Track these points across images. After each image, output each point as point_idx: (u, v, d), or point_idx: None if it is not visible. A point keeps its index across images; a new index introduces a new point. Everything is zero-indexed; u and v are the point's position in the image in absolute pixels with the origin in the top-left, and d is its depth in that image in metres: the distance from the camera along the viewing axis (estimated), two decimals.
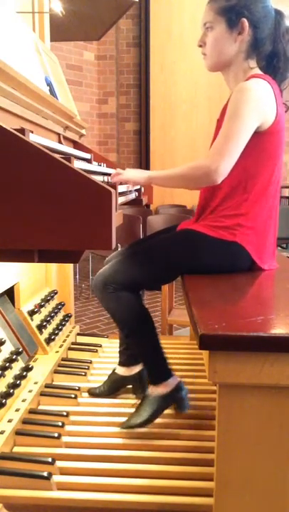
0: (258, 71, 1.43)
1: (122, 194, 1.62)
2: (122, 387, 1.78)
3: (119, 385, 1.78)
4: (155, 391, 1.55)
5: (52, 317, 2.14)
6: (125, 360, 1.77)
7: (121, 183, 1.56)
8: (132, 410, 1.63)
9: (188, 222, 1.58)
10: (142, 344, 1.57)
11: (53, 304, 2.26)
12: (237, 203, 1.42)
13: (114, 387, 1.78)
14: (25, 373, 1.66)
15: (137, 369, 1.75)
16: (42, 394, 1.73)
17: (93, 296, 4.24)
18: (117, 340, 1.88)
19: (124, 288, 1.47)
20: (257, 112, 1.33)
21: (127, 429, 1.55)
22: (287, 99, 1.50)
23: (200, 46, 1.48)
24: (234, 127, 1.32)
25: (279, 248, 5.08)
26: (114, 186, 1.25)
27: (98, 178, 1.26)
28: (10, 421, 1.48)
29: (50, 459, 1.35)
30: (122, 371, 1.77)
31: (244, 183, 1.41)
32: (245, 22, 1.38)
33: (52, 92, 1.78)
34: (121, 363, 1.78)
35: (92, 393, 1.80)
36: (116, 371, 1.79)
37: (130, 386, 1.78)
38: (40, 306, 2.09)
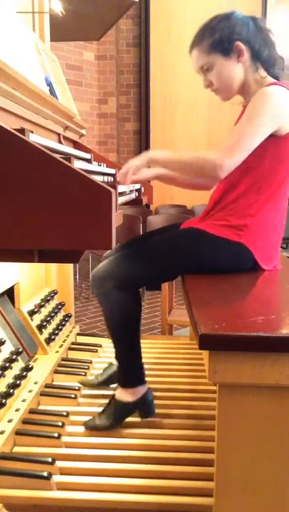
0: (271, 79, 1.45)
1: (122, 194, 1.62)
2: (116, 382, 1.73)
3: (115, 380, 1.75)
4: (122, 396, 1.56)
5: (52, 317, 2.14)
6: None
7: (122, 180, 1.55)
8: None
9: (193, 221, 1.57)
10: (122, 347, 1.55)
11: (53, 303, 2.26)
12: (248, 203, 1.42)
13: (109, 380, 1.78)
14: (25, 373, 1.66)
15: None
16: (42, 394, 1.73)
17: (93, 296, 4.24)
18: None
19: (124, 285, 1.46)
20: (275, 116, 1.33)
21: (89, 429, 1.56)
22: None
23: (207, 87, 1.51)
24: (249, 128, 1.33)
25: (279, 248, 5.07)
26: (114, 186, 1.25)
27: (98, 178, 1.26)
28: (10, 421, 1.48)
29: (50, 459, 1.35)
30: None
31: (259, 185, 1.41)
32: (240, 44, 1.41)
33: (52, 92, 1.78)
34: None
35: (86, 383, 1.80)
36: (114, 363, 1.74)
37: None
38: (40, 306, 2.09)
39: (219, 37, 1.41)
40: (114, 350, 1.59)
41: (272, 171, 1.40)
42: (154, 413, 1.62)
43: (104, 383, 1.81)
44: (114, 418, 1.57)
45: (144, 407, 1.59)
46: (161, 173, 1.60)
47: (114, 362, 1.74)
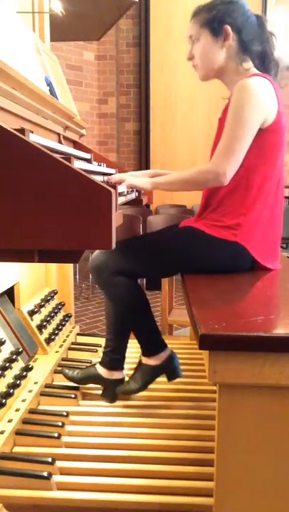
0: (255, 70, 1.46)
1: (122, 194, 1.62)
2: (95, 383, 1.76)
3: (93, 381, 1.75)
4: (147, 362, 1.66)
5: (52, 317, 2.14)
6: (108, 362, 1.73)
7: (116, 182, 1.56)
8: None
9: (190, 221, 1.58)
10: (138, 323, 1.64)
11: (53, 303, 2.26)
12: (238, 201, 1.43)
13: (87, 380, 1.76)
14: (25, 373, 1.65)
15: (116, 376, 1.72)
16: (42, 394, 1.73)
17: (93, 296, 4.24)
18: None
19: (118, 274, 1.52)
20: (260, 110, 1.35)
21: (122, 393, 1.69)
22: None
23: (189, 59, 1.53)
24: (238, 129, 1.34)
25: (279, 248, 5.07)
26: (114, 186, 1.25)
27: (98, 178, 1.26)
28: (10, 421, 1.48)
29: (50, 459, 1.35)
30: (101, 371, 1.74)
31: (245, 180, 1.42)
32: (228, 28, 1.44)
33: (52, 92, 1.78)
34: (103, 364, 1.73)
35: (65, 374, 1.79)
36: (96, 367, 1.75)
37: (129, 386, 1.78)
38: (40, 306, 2.09)
39: (214, 15, 1.44)
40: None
41: (258, 164, 1.41)
42: (181, 375, 1.71)
43: (80, 382, 1.78)
44: (143, 382, 1.66)
45: (170, 370, 1.68)
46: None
47: (98, 367, 1.76)
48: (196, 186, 1.46)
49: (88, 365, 1.82)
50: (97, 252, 1.56)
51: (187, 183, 1.44)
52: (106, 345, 1.74)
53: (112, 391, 1.72)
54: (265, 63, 1.48)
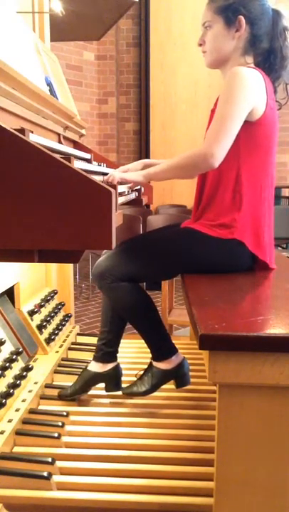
0: (253, 66, 1.46)
1: (122, 194, 1.62)
2: (94, 385, 1.74)
3: (92, 383, 1.73)
4: (158, 365, 1.62)
5: (52, 317, 2.14)
6: (101, 356, 1.72)
7: (121, 183, 1.56)
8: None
9: (189, 222, 1.59)
10: (146, 327, 1.61)
11: (53, 303, 2.26)
12: (230, 196, 1.43)
13: (86, 385, 1.73)
14: (25, 373, 1.65)
15: (111, 365, 1.71)
16: (42, 394, 1.73)
17: (93, 296, 4.24)
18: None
19: (122, 280, 1.51)
20: (249, 95, 1.35)
21: (128, 395, 1.66)
22: (282, 97, 1.52)
23: (200, 45, 1.52)
24: (228, 111, 1.34)
25: (279, 248, 5.07)
26: (114, 186, 1.25)
27: (98, 178, 1.26)
28: (10, 421, 1.48)
29: (50, 459, 1.35)
30: (95, 367, 1.72)
31: (235, 175, 1.42)
32: (242, 19, 1.43)
33: (52, 92, 1.78)
34: (96, 358, 1.73)
35: (64, 395, 1.72)
36: (89, 368, 1.73)
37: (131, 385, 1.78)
38: (40, 306, 2.09)
39: (230, 4, 1.43)
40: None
41: (248, 158, 1.41)
42: (189, 383, 1.67)
43: (81, 391, 1.74)
44: (152, 385, 1.63)
45: (179, 377, 1.64)
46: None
47: (91, 364, 1.74)
48: (187, 171, 1.44)
49: (80, 373, 1.76)
50: (99, 259, 1.56)
51: (178, 168, 1.43)
52: (100, 337, 1.73)
53: (114, 381, 1.71)
54: (270, 58, 1.47)
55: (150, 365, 1.65)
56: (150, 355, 1.65)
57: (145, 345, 1.64)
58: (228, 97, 1.35)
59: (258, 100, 1.37)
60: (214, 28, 1.46)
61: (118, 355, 1.76)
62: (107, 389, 1.73)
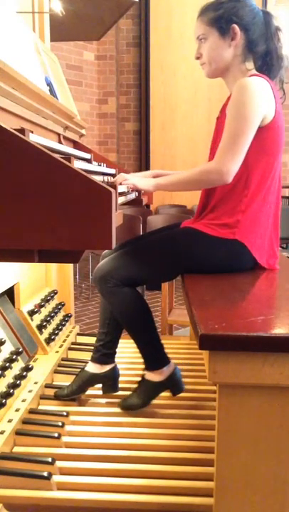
0: (255, 72, 1.47)
1: (122, 194, 1.62)
2: (91, 386, 1.73)
3: (90, 384, 1.73)
4: (150, 377, 1.63)
5: (52, 317, 2.14)
6: (99, 357, 1.71)
7: (121, 184, 1.56)
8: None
9: (190, 221, 1.58)
10: (141, 336, 1.61)
11: (53, 303, 2.26)
12: (237, 199, 1.44)
13: (84, 385, 1.72)
14: (25, 373, 1.65)
15: (108, 367, 1.71)
16: (42, 394, 1.73)
17: (93, 296, 4.24)
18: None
19: (124, 283, 1.50)
20: (260, 107, 1.35)
21: (125, 409, 1.65)
22: (280, 96, 1.52)
23: (197, 58, 1.54)
24: (239, 127, 1.34)
25: (279, 248, 5.07)
26: (114, 186, 1.25)
27: (98, 178, 1.26)
28: (10, 421, 1.48)
29: (50, 459, 1.35)
30: (93, 368, 1.71)
31: (244, 179, 1.42)
32: (236, 27, 1.44)
33: (52, 92, 1.78)
34: (94, 360, 1.72)
35: (60, 395, 1.71)
36: (86, 369, 1.72)
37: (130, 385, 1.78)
38: (40, 306, 2.09)
39: (221, 14, 1.44)
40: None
41: (257, 162, 1.41)
42: (184, 389, 1.68)
43: (78, 392, 1.73)
44: (146, 397, 1.64)
45: (173, 386, 1.65)
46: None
47: (88, 365, 1.73)
48: (199, 186, 1.46)
49: (77, 373, 1.76)
50: (100, 263, 1.56)
51: (190, 183, 1.44)
52: (98, 339, 1.73)
53: (111, 383, 1.71)
54: (267, 60, 1.48)
55: (143, 377, 1.65)
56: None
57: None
58: (239, 113, 1.35)
59: (267, 109, 1.38)
60: (209, 40, 1.47)
61: (116, 355, 1.75)
62: (104, 390, 1.73)
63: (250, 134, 1.35)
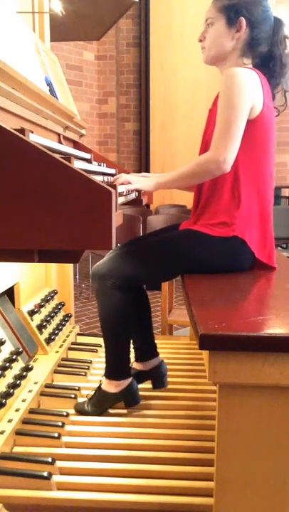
0: (250, 66, 1.48)
1: (122, 194, 1.62)
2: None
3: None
4: (107, 387, 1.63)
5: (52, 317, 2.14)
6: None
7: (122, 183, 1.56)
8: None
9: (188, 222, 1.59)
10: (111, 341, 1.61)
11: (53, 303, 2.26)
12: (229, 194, 1.44)
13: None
14: (25, 373, 1.65)
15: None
16: (42, 394, 1.73)
17: (93, 296, 4.24)
18: None
19: (123, 284, 1.50)
20: (248, 95, 1.36)
21: (78, 412, 1.66)
22: (280, 104, 1.54)
23: (200, 41, 1.54)
24: (230, 116, 1.36)
25: (279, 248, 5.07)
26: (114, 186, 1.25)
27: (98, 178, 1.26)
28: (10, 421, 1.48)
29: (50, 459, 1.35)
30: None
31: (233, 173, 1.42)
32: (243, 21, 1.45)
33: (52, 92, 1.78)
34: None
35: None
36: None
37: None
38: (40, 306, 2.09)
39: (233, 4, 1.45)
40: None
41: (246, 155, 1.41)
42: (139, 402, 1.66)
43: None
44: (99, 406, 1.64)
45: (128, 398, 1.64)
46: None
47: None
48: (199, 179, 1.46)
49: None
50: (99, 262, 1.56)
51: (190, 177, 1.44)
52: (133, 341, 1.75)
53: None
54: (270, 65, 1.50)
55: (100, 385, 1.65)
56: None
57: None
58: (228, 102, 1.36)
59: (255, 99, 1.39)
60: (216, 26, 1.48)
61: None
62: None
63: (241, 122, 1.36)
